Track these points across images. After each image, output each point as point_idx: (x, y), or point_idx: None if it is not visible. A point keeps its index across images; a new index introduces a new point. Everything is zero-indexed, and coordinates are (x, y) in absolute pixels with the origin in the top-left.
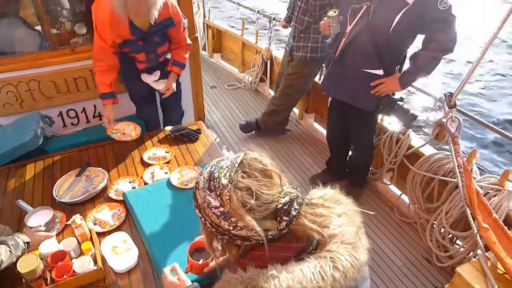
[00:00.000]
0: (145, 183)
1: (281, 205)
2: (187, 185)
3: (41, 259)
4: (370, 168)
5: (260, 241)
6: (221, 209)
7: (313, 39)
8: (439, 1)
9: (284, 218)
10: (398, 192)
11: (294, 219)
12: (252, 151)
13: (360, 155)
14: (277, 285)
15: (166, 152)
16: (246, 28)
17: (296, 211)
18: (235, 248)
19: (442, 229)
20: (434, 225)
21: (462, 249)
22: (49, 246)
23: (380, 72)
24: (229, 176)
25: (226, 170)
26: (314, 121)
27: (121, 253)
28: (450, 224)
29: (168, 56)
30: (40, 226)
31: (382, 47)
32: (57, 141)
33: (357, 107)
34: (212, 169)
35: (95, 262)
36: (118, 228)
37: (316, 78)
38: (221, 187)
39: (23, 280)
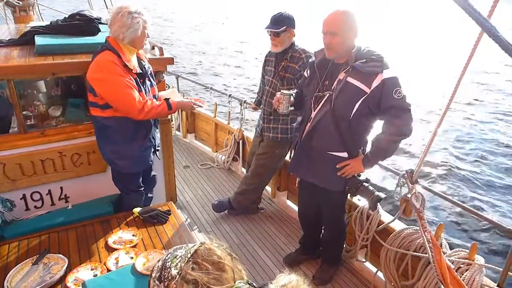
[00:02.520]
0: (108, 270)
1: None
2: None
3: None
4: (344, 246)
5: None
6: None
7: (282, 120)
8: (393, 91)
9: None
10: (373, 269)
11: None
12: (211, 240)
13: (332, 234)
14: None
15: (133, 235)
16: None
17: None
18: None
19: None
20: None
21: None
22: None
23: (344, 154)
24: (180, 267)
25: (179, 260)
26: (287, 198)
27: None
28: None
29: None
30: None
31: (345, 131)
32: (16, 226)
33: (324, 188)
34: (167, 257)
35: None
36: None
37: (287, 157)
38: (170, 278)
39: None
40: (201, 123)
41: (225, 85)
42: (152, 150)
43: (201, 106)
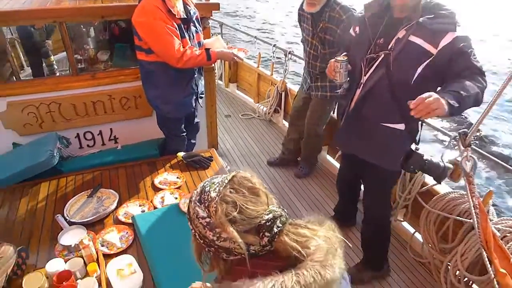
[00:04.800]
0: (155, 207)
1: (264, 221)
2: None
3: (47, 278)
4: None
5: (243, 255)
6: (207, 219)
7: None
8: (469, 51)
9: (266, 234)
10: (411, 229)
11: (276, 236)
12: (245, 171)
13: (374, 229)
14: None
15: (177, 177)
16: (263, 60)
17: (279, 228)
18: (221, 263)
19: (457, 272)
20: (449, 267)
21: None
22: (56, 265)
23: (401, 126)
24: (218, 190)
25: (216, 185)
26: (327, 153)
27: (126, 277)
28: (465, 267)
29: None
30: (71, 245)
31: (403, 99)
32: (72, 162)
33: (374, 164)
34: (204, 184)
35: (100, 284)
36: (124, 251)
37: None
38: (210, 199)
39: None
40: (244, 73)
41: (269, 34)
42: (194, 97)
43: (241, 60)
